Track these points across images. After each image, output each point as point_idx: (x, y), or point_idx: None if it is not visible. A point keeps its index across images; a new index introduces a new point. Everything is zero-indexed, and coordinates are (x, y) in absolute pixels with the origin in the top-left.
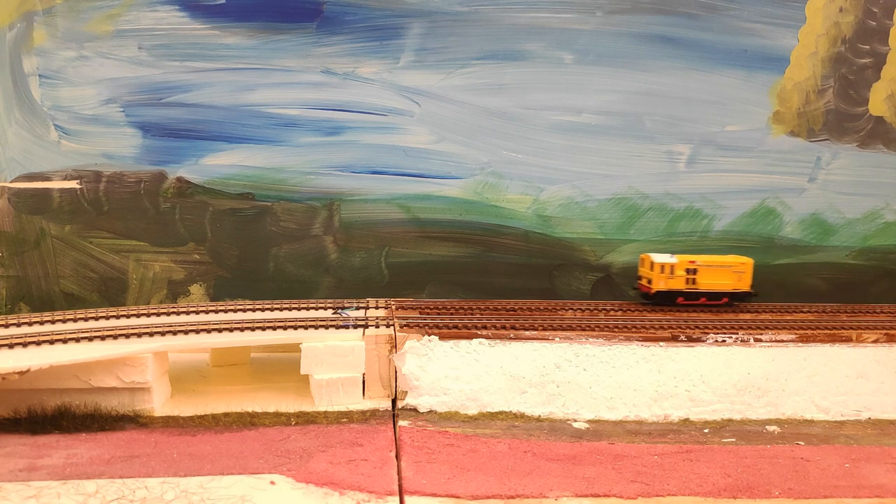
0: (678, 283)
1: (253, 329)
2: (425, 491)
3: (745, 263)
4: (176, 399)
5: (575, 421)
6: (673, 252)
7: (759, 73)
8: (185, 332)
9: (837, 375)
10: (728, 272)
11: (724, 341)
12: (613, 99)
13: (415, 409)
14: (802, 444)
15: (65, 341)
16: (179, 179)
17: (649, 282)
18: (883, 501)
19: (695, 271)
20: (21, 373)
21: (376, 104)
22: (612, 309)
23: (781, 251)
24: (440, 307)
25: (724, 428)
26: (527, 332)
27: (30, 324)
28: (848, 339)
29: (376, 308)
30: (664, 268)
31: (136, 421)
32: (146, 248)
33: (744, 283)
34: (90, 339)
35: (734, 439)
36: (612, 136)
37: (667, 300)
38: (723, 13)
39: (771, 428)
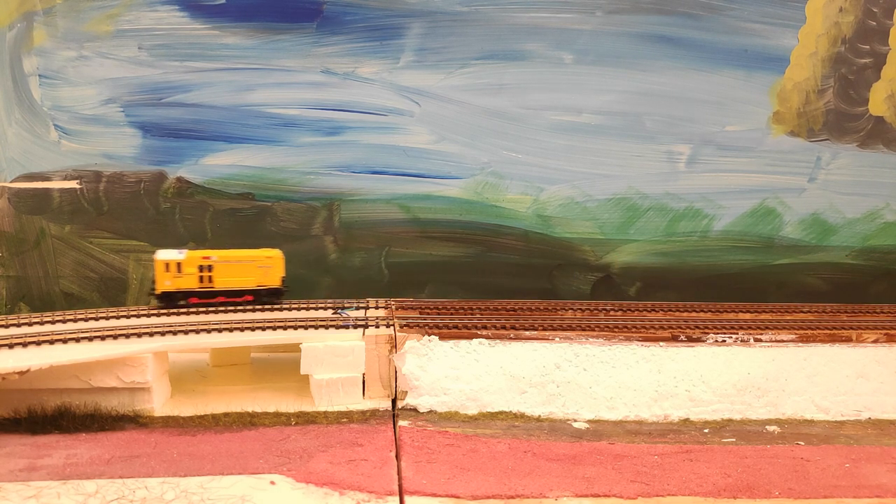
0: (189, 283)
1: (253, 329)
2: (425, 491)
3: (273, 257)
4: (176, 399)
5: (575, 421)
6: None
7: (759, 73)
8: (185, 332)
9: (837, 375)
10: (252, 268)
11: (724, 341)
12: (613, 99)
13: (415, 409)
14: (802, 444)
15: (65, 341)
16: (179, 179)
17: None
18: (883, 501)
19: (211, 268)
20: (21, 373)
21: (376, 104)
22: (612, 309)
23: (781, 251)
24: (440, 307)
25: (724, 428)
26: (527, 332)
27: (30, 324)
28: (848, 339)
29: (376, 308)
30: (169, 265)
31: (136, 421)
32: (146, 248)
33: (272, 279)
34: (90, 339)
35: (734, 439)
36: (611, 136)
37: (178, 301)
38: (723, 13)
39: (771, 428)
